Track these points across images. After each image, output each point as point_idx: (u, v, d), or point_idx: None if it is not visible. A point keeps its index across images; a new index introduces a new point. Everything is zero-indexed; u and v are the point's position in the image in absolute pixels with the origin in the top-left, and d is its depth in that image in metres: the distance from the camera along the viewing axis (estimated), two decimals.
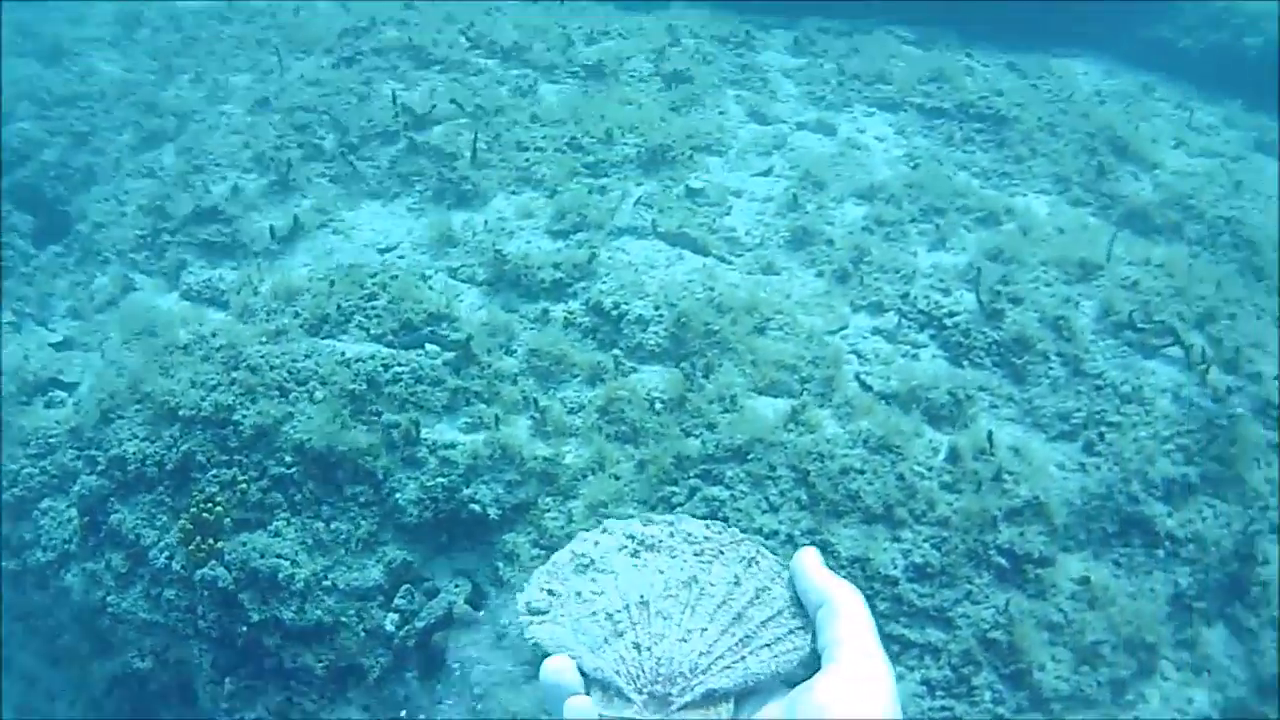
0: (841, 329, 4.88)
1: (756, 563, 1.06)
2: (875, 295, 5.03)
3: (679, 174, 5.73)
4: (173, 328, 5.17)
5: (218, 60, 7.49)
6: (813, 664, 1.03)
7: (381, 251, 5.54)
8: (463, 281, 5.22)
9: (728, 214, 5.52)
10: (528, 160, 5.85)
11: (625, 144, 5.91)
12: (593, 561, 1.08)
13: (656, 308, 4.80)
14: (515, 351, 4.77)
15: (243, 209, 5.90)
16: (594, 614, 1.03)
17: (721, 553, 1.07)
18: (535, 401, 4.50)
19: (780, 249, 5.32)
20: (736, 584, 1.04)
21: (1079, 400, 4.58)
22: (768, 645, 1.01)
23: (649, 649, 0.99)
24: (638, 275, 5.01)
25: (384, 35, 7.16)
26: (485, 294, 5.12)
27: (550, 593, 1.07)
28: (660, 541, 1.09)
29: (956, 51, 7.32)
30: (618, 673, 0.99)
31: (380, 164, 6.09)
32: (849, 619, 1.00)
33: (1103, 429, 4.46)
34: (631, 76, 6.66)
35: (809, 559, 1.06)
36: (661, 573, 1.05)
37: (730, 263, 5.20)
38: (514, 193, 5.72)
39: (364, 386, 4.56)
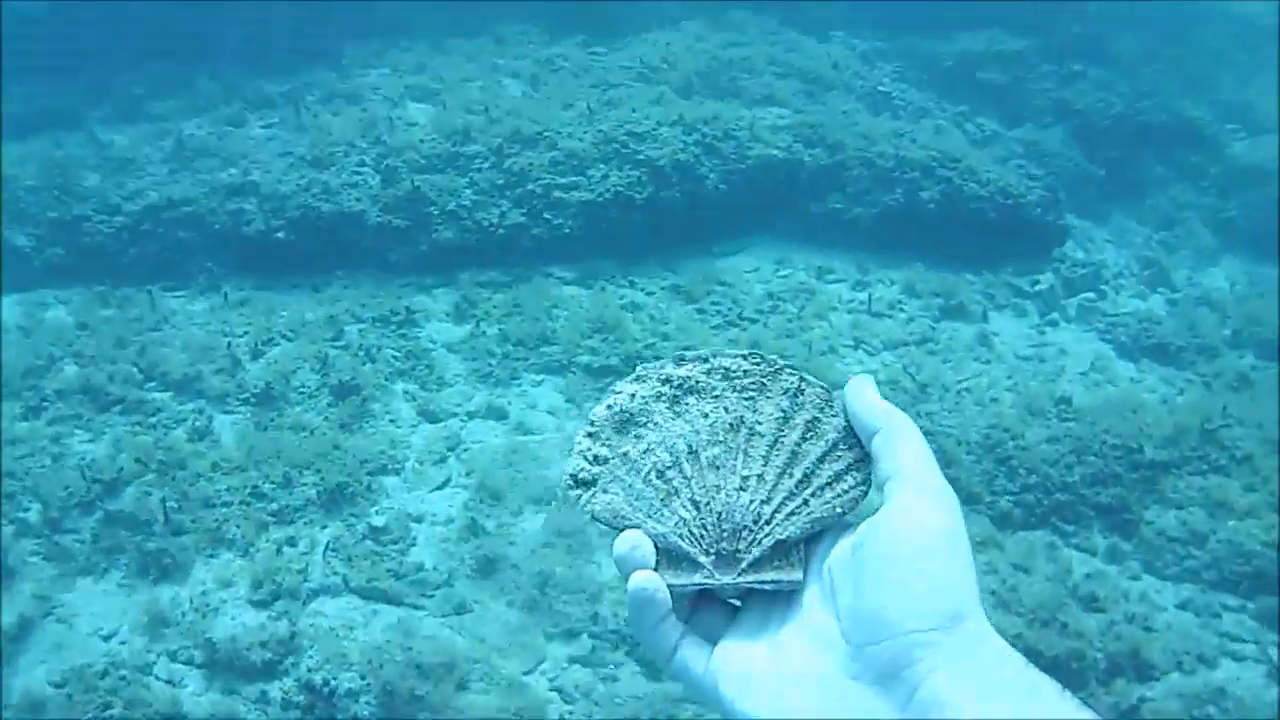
0: (539, 664, 5.77)
1: (802, 392, 0.99)
2: (566, 621, 5.86)
3: (360, 509, 6.62)
4: None
5: None
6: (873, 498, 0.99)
7: (104, 639, 6.16)
8: (183, 664, 5.94)
9: (413, 546, 6.44)
10: (217, 520, 6.57)
11: (305, 485, 6.73)
12: (631, 415, 1.01)
13: (363, 677, 5.67)
14: None
15: None
16: (645, 475, 0.98)
17: (764, 386, 0.99)
18: None
19: (469, 580, 6.25)
20: (786, 420, 0.98)
21: None
22: (829, 484, 0.95)
23: (707, 504, 0.95)
24: (339, 642, 5.88)
25: (64, 374, 7.65)
26: (205, 677, 5.88)
27: (595, 459, 1.00)
28: (698, 382, 1.01)
29: (619, 283, 8.09)
30: (680, 536, 0.94)
31: (84, 537, 6.66)
32: (907, 445, 0.94)
33: None
34: (300, 394, 7.46)
35: (862, 384, 0.98)
36: (706, 417, 0.99)
37: (423, 609, 6.13)
38: (211, 556, 6.45)
39: None
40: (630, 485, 0.98)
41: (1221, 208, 10.64)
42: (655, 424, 0.99)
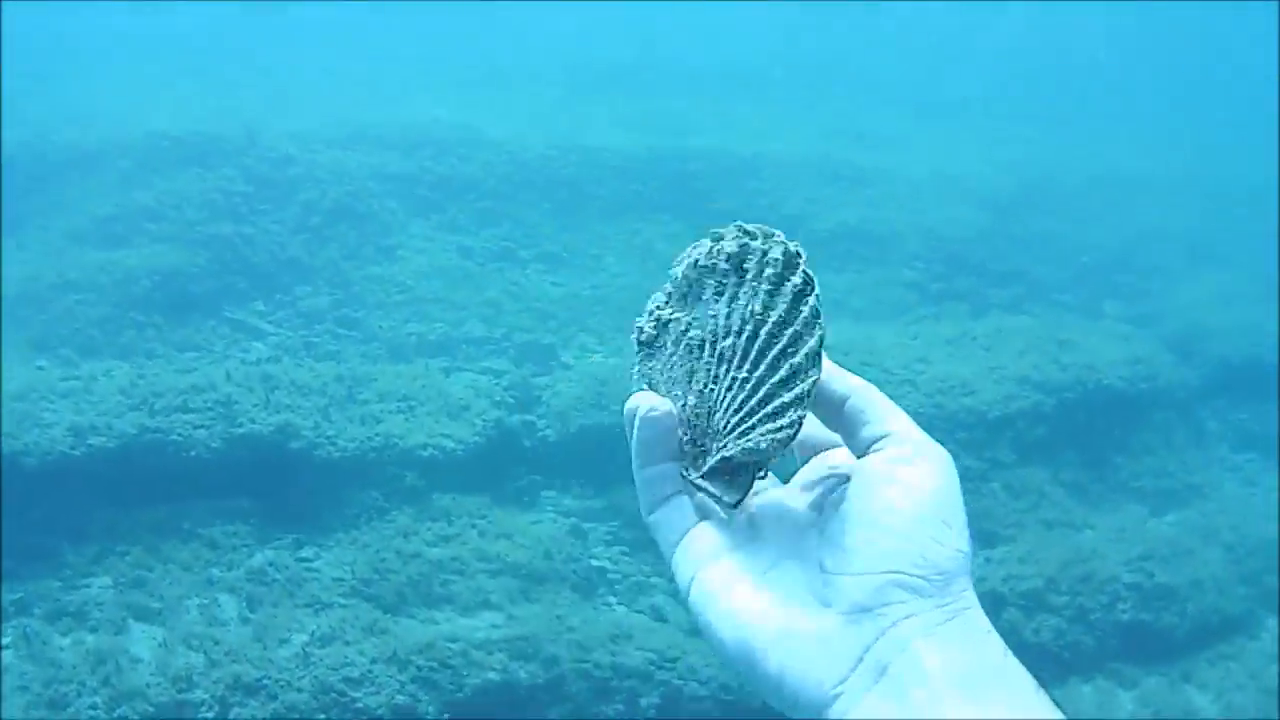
0: None
1: (805, 300, 0.95)
2: None
3: None
4: None
5: None
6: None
7: None
8: None
9: None
10: None
11: None
12: (690, 288, 1.01)
13: None
14: None
15: None
16: (686, 349, 0.97)
17: (785, 283, 0.95)
18: None
19: None
20: (784, 325, 0.94)
21: None
22: (774, 415, 0.91)
23: (706, 395, 0.94)
24: None
25: None
26: None
27: (658, 322, 1.01)
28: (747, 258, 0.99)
29: None
30: (682, 420, 0.94)
31: None
32: (890, 408, 0.90)
33: None
34: None
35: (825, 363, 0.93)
36: (736, 301, 0.96)
37: None
38: None
39: None
40: (672, 356, 0.97)
41: None
42: (704, 300, 0.98)
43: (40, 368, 8.08)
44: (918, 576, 0.79)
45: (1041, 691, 0.76)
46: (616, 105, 16.78)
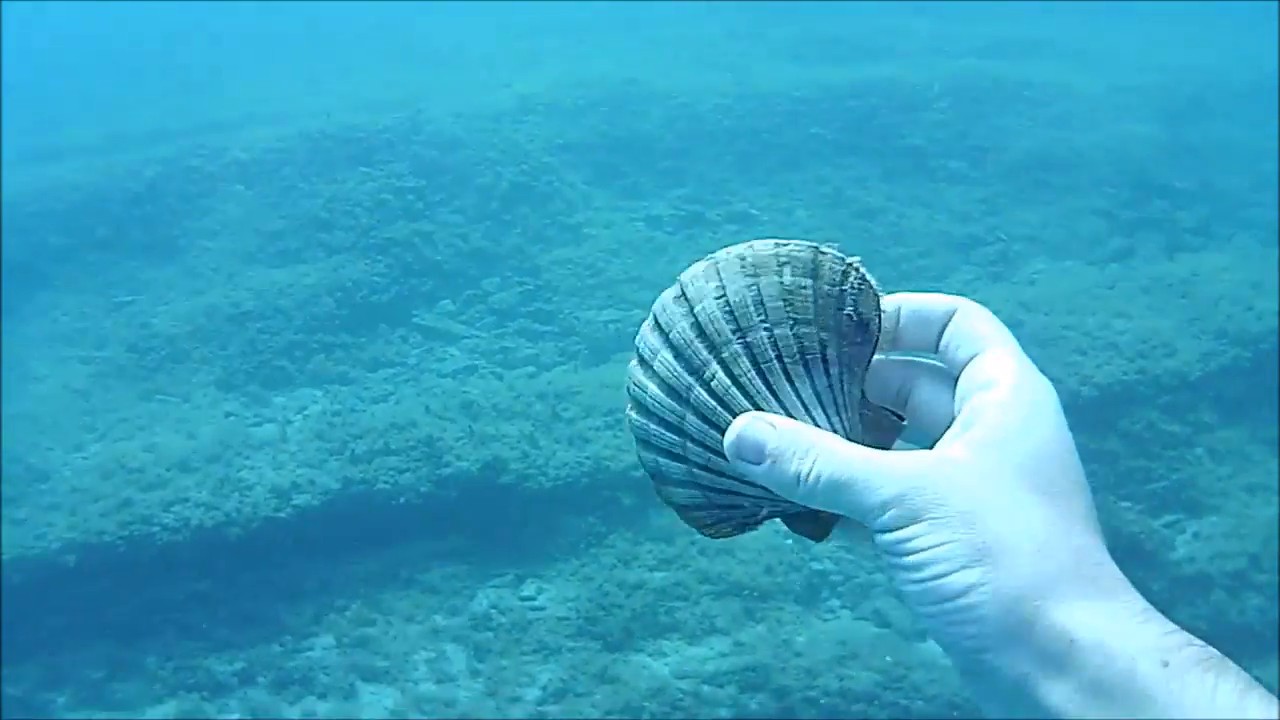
0: None
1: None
2: None
3: None
4: None
5: None
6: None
7: None
8: None
9: None
10: None
11: None
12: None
13: None
14: None
15: None
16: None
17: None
18: None
19: None
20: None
21: None
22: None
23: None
24: None
25: None
26: None
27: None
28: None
29: None
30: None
31: None
32: (991, 320, 0.87)
33: None
34: None
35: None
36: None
37: None
38: None
39: None
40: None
41: None
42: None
43: (230, 415, 7.47)
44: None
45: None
46: (769, 34, 15.73)
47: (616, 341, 8.88)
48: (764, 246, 0.88)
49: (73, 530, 6.33)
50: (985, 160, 11.38)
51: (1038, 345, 7.50)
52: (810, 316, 0.85)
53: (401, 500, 6.83)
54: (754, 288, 0.86)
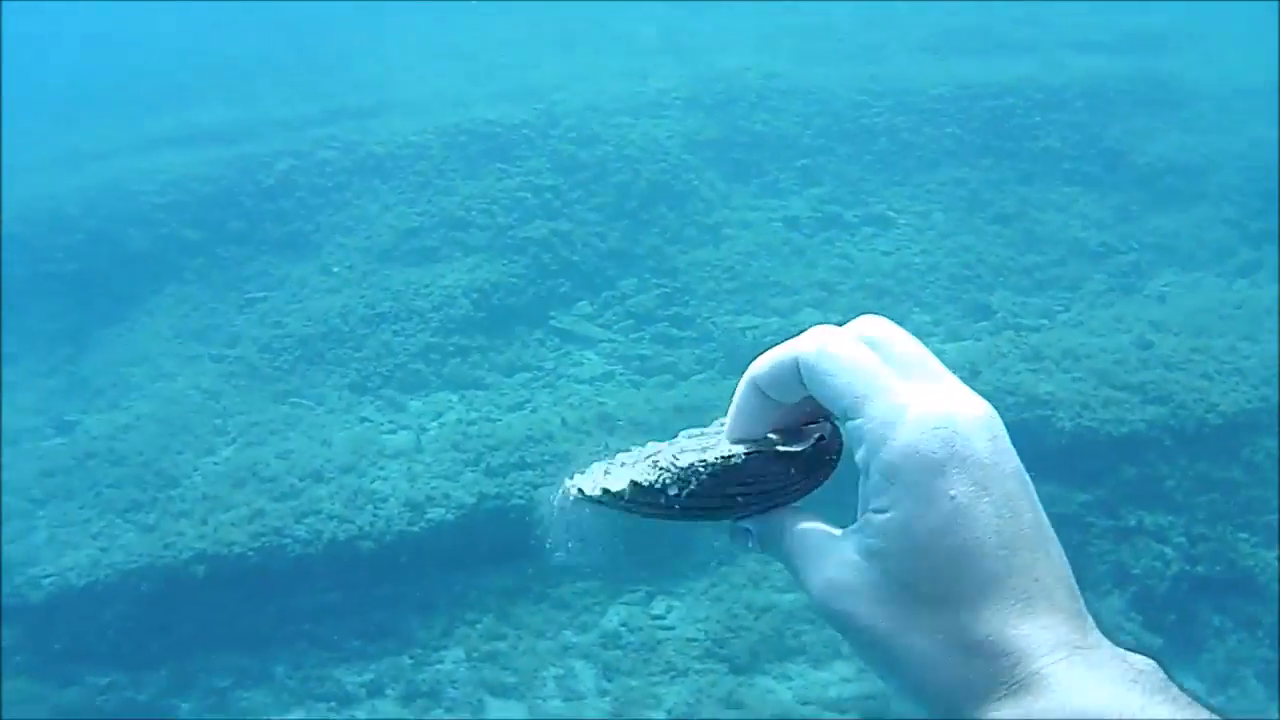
0: None
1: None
2: None
3: None
4: None
5: None
6: None
7: None
8: None
9: None
10: None
11: None
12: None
13: None
14: None
15: None
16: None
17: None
18: None
19: None
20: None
21: None
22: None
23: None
24: None
25: None
26: None
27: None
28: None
29: None
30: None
31: None
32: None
33: None
34: None
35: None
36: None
37: None
38: None
39: None
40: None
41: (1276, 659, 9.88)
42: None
43: (364, 420, 7.33)
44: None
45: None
46: (906, 23, 15.30)
47: (753, 350, 8.47)
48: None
49: (202, 540, 6.25)
50: (1119, 164, 10.84)
51: (1165, 369, 7.21)
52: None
53: (537, 514, 6.56)
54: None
